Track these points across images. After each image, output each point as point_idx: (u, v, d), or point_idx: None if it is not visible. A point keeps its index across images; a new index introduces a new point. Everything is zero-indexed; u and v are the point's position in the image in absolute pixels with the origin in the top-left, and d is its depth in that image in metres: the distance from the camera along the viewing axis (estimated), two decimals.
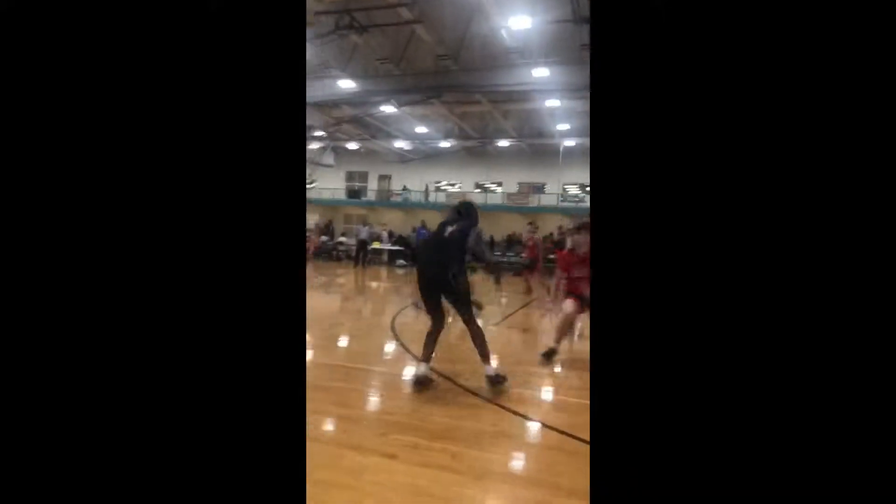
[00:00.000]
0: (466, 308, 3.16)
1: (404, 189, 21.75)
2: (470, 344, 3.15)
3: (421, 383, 3.06)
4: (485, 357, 3.08)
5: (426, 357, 3.14)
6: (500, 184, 21.89)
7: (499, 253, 16.64)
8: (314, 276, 10.98)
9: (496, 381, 3.05)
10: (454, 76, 11.83)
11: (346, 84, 12.10)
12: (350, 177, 24.08)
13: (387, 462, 2.03)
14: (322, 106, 15.43)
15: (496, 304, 7.19)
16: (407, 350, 4.04)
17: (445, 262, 3.12)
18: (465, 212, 3.40)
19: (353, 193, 23.29)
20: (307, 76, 11.82)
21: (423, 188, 21.48)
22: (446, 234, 3.24)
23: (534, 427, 2.54)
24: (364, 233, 14.10)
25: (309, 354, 3.79)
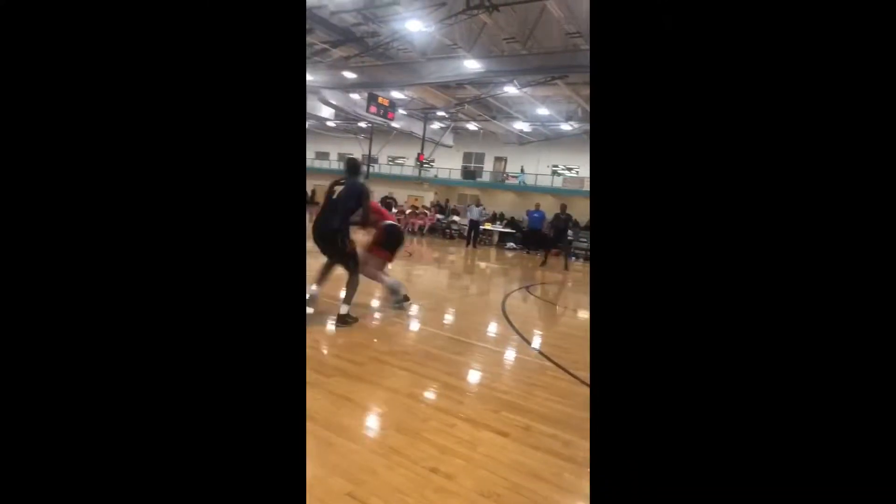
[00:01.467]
0: (349, 262, 3.65)
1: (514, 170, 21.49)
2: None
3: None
4: (347, 300, 3.57)
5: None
6: None
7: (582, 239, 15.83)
8: (428, 252, 11.35)
9: (345, 320, 3.54)
10: (583, 55, 11.26)
11: (471, 64, 12.11)
12: (467, 157, 24.34)
13: (499, 439, 2.04)
14: (447, 87, 15.68)
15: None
16: (516, 331, 4.02)
17: (330, 219, 3.54)
18: (351, 169, 3.76)
19: (469, 174, 23.53)
20: (434, 56, 11.87)
21: (520, 169, 21.04)
22: (334, 195, 3.62)
23: None
24: (476, 213, 14.19)
25: (416, 324, 3.97)
